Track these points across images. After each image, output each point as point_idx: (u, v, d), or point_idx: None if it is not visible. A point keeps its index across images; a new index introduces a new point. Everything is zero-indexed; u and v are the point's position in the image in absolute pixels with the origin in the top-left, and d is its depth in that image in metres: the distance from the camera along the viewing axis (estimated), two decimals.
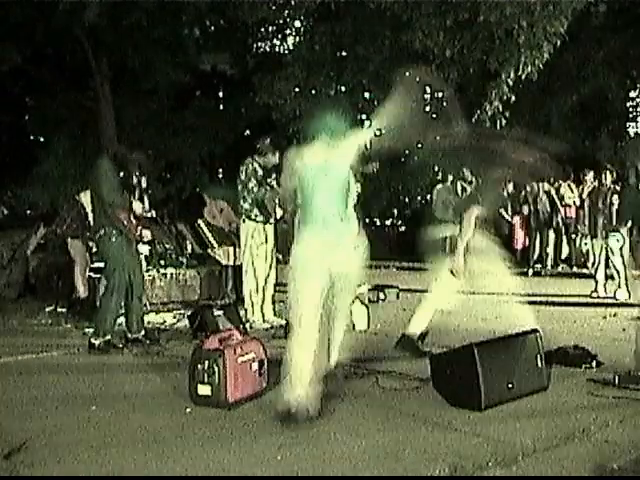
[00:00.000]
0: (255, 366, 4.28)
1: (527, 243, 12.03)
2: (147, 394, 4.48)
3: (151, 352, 5.69)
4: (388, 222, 18.62)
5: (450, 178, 6.88)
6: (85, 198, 7.57)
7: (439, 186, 11.41)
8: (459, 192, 6.01)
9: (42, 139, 17.99)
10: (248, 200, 6.80)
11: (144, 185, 6.12)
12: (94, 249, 7.05)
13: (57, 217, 7.99)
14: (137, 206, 5.92)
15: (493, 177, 5.37)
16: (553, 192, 11.55)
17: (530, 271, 11.49)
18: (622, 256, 8.44)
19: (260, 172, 6.82)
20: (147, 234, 6.26)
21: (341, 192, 4.11)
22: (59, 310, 7.72)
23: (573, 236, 11.56)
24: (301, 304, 3.96)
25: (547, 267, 11.78)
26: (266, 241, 6.86)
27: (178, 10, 13.48)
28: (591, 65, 13.83)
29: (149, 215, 6.45)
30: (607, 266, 8.67)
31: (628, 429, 3.61)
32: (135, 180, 6.00)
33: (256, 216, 6.82)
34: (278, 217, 7.02)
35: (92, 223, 6.17)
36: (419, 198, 16.52)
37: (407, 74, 4.46)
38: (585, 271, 10.34)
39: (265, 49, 17.52)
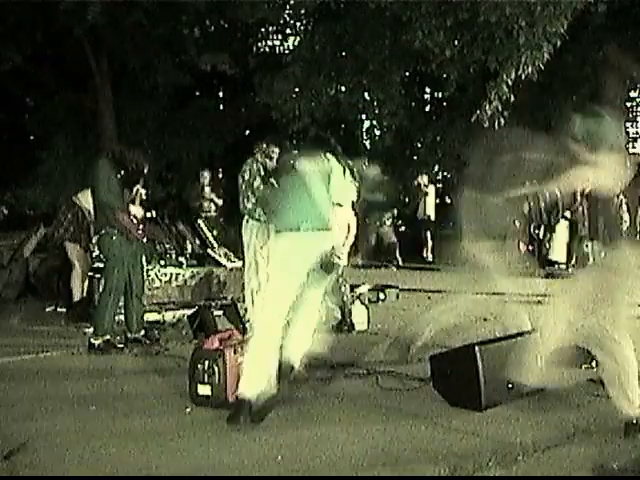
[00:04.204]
0: None
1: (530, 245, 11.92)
2: (147, 394, 4.49)
3: (151, 352, 5.69)
4: (388, 222, 18.57)
5: None
6: (83, 199, 7.54)
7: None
8: None
9: (42, 139, 17.93)
10: (252, 200, 6.76)
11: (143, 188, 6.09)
12: (94, 250, 7.02)
13: (54, 220, 7.94)
14: (137, 208, 5.91)
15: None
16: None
17: (542, 272, 11.35)
18: None
19: (262, 172, 6.81)
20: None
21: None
22: (59, 310, 7.71)
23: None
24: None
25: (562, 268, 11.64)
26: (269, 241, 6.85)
27: (178, 10, 13.47)
28: (591, 65, 13.81)
29: (149, 215, 6.42)
30: None
31: None
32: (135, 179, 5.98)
33: (260, 216, 6.81)
34: None
35: (93, 223, 6.16)
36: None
37: None
38: None
39: (265, 49, 17.52)
